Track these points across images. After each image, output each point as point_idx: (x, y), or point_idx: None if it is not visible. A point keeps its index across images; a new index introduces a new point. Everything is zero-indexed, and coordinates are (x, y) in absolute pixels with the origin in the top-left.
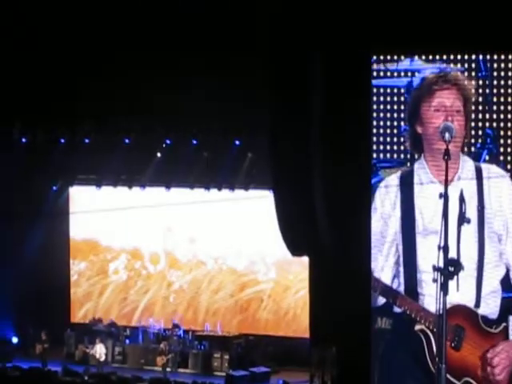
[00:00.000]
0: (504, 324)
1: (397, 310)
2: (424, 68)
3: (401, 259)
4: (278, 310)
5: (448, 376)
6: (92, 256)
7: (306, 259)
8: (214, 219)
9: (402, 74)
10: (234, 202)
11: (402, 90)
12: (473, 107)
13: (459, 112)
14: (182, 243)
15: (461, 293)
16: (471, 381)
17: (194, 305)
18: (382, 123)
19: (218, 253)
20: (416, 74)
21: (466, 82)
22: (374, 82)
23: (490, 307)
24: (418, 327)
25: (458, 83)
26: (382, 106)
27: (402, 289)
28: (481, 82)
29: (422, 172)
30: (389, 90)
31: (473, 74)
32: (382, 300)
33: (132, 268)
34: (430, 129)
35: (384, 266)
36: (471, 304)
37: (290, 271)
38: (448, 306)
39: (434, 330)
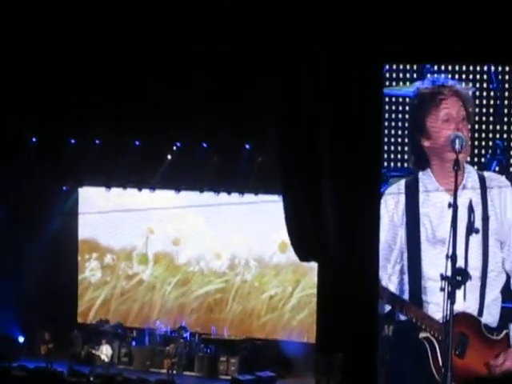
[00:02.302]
0: (506, 331)
1: (401, 317)
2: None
3: (405, 267)
4: (243, 310)
5: None
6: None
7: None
8: (211, 221)
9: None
10: (242, 206)
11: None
12: (483, 115)
13: (464, 119)
14: (166, 244)
15: (466, 301)
16: None
17: (148, 303)
18: (392, 132)
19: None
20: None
21: (464, 91)
22: (385, 90)
23: (492, 315)
24: (422, 335)
25: (457, 90)
26: (393, 115)
27: (406, 296)
28: (492, 94)
29: (428, 181)
30: (400, 100)
31: (484, 85)
32: (387, 307)
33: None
34: (439, 140)
35: (391, 274)
36: (475, 312)
37: (266, 273)
38: (453, 314)
39: (440, 337)
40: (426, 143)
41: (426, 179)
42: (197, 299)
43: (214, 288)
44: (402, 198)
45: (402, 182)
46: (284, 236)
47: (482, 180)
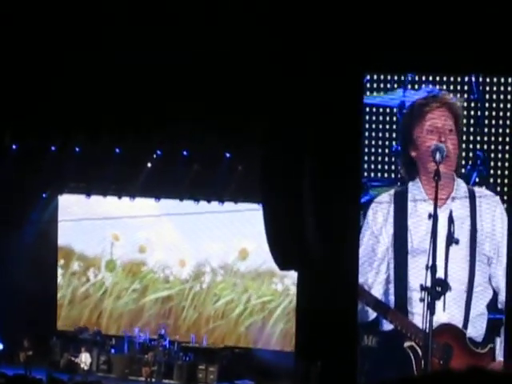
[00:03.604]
0: (490, 345)
1: (385, 327)
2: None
3: (391, 277)
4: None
5: None
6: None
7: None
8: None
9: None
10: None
11: (395, 110)
12: (464, 126)
13: (452, 131)
14: (133, 251)
15: (450, 313)
16: None
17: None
18: (373, 142)
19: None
20: (407, 93)
21: (454, 100)
22: (367, 100)
23: (477, 329)
24: (407, 344)
25: (447, 102)
26: (373, 126)
27: (391, 306)
28: (473, 104)
29: (417, 191)
30: (381, 110)
31: (465, 95)
32: (372, 314)
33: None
34: (423, 151)
35: (374, 281)
36: (459, 324)
37: (225, 280)
38: (437, 324)
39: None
40: (413, 153)
41: (414, 189)
42: (154, 305)
43: (170, 294)
44: (389, 207)
45: (392, 191)
46: (245, 243)
47: (472, 194)
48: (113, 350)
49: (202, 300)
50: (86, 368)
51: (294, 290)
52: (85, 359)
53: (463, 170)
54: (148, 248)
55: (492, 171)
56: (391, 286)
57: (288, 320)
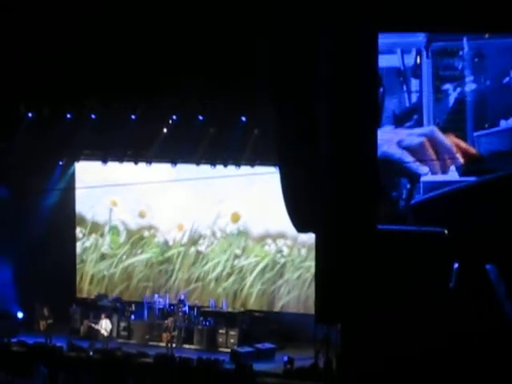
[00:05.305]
0: None
1: None
2: None
3: None
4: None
5: None
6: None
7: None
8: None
9: None
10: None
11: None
12: None
13: None
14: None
15: None
16: None
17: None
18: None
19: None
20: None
21: None
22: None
23: None
24: None
25: None
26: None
27: None
28: None
29: None
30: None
31: None
32: None
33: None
34: None
35: None
36: None
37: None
38: None
39: None
40: None
41: None
42: (145, 267)
43: (162, 258)
44: None
45: None
46: (236, 207)
47: None
48: (133, 317)
49: (192, 263)
50: (106, 334)
51: (286, 251)
52: (105, 326)
53: None
54: (148, 213)
55: None
56: None
57: (304, 283)
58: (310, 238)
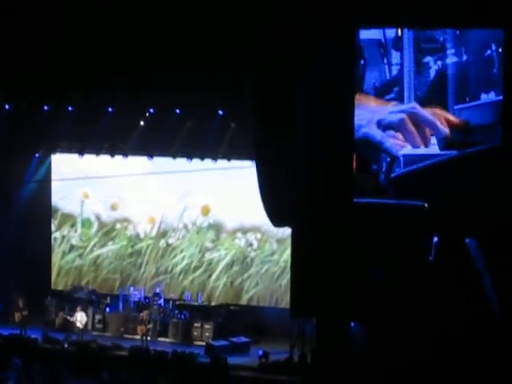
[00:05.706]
0: None
1: None
2: None
3: None
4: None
5: None
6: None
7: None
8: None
9: None
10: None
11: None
12: None
13: None
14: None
15: None
16: None
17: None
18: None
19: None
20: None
21: None
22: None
23: None
24: None
25: None
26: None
27: None
28: None
29: None
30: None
31: None
32: None
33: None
34: None
35: None
36: None
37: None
38: None
39: None
40: None
41: None
42: (114, 259)
43: (131, 250)
44: None
45: None
46: (206, 200)
47: None
48: (108, 309)
49: (161, 255)
50: (81, 327)
51: (256, 244)
52: (80, 318)
53: None
54: (120, 205)
55: None
56: None
57: (272, 277)
58: (280, 231)
